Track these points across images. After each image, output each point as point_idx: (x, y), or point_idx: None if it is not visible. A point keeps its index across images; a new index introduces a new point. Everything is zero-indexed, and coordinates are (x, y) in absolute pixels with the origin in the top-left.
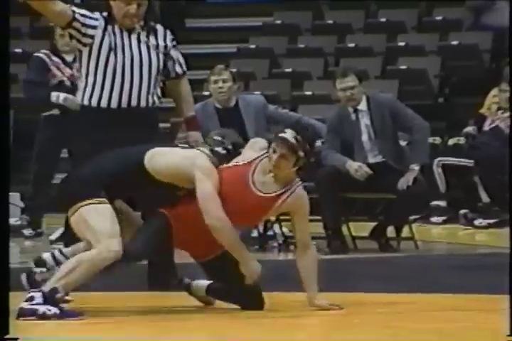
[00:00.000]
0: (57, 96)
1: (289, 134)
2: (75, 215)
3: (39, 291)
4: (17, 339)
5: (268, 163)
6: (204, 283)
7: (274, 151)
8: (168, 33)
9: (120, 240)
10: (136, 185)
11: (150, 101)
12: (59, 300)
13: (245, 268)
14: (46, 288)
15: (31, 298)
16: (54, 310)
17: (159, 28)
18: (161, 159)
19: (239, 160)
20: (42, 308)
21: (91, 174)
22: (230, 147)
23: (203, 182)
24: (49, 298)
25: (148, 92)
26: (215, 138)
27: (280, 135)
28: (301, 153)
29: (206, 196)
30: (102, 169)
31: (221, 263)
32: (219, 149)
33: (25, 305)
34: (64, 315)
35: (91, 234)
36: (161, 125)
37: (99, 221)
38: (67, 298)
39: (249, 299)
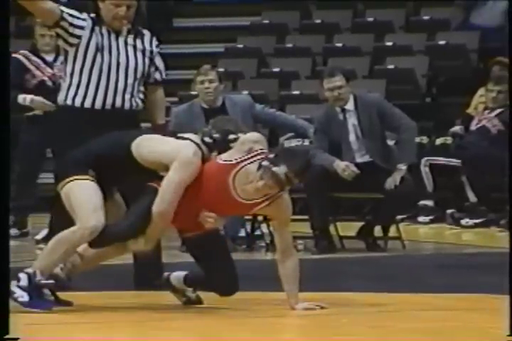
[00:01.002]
0: (24, 98)
1: (281, 169)
2: (62, 191)
3: (26, 273)
4: (17, 339)
5: (253, 173)
6: (181, 273)
7: (262, 178)
8: (155, 38)
9: (101, 214)
10: (122, 169)
11: (134, 103)
12: (43, 285)
13: (149, 234)
14: (30, 269)
15: (18, 279)
16: (26, 297)
17: (146, 32)
18: (146, 145)
19: (226, 158)
20: (18, 293)
21: (80, 154)
22: (216, 136)
23: (176, 172)
24: (32, 281)
25: (132, 95)
26: (205, 128)
27: (273, 169)
28: (287, 187)
29: (170, 185)
30: (91, 150)
31: (207, 241)
32: (206, 138)
33: (12, 285)
34: (32, 304)
35: (72, 210)
36: (143, 125)
37: (79, 196)
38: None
39: (223, 282)
